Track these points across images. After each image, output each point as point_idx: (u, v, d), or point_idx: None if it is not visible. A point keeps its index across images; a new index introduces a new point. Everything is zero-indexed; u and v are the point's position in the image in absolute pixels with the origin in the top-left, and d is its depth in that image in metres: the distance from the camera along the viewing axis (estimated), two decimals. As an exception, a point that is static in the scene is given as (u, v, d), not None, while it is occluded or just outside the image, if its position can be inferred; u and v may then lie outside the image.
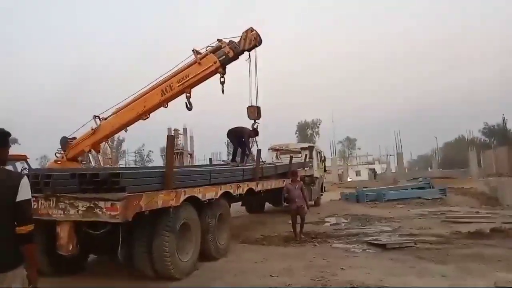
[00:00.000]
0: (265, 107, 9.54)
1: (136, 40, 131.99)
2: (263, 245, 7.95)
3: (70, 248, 4.51)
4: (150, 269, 5.10)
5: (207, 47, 8.69)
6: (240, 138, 10.16)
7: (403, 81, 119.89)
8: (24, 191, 2.31)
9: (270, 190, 9.62)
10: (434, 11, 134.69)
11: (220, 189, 6.56)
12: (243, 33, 8.59)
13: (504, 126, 49.62)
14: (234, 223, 9.41)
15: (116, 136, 11.32)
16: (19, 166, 10.88)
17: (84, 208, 4.29)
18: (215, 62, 8.46)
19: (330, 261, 6.30)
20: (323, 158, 17.73)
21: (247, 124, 9.71)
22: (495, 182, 17.73)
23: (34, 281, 2.38)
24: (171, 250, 5.04)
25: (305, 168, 13.63)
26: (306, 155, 14.99)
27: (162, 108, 8.94)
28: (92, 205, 4.24)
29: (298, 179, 9.50)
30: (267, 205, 13.92)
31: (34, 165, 17.82)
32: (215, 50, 8.62)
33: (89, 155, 9.88)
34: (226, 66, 8.65)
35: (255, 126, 9.61)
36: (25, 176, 2.39)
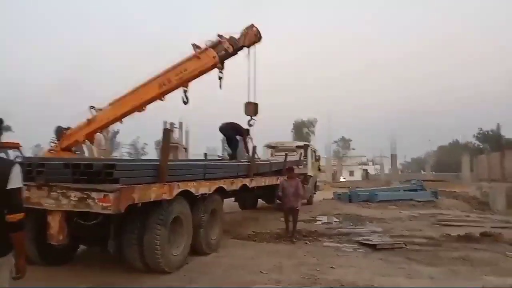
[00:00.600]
0: (261, 104, 9.55)
1: (138, 36, 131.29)
2: (254, 241, 7.97)
3: (61, 238, 4.48)
4: (140, 261, 5.08)
5: (207, 41, 8.68)
6: (235, 135, 10.13)
7: (399, 84, 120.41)
8: (15, 179, 2.29)
9: (264, 187, 9.63)
10: (432, 15, 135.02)
11: (214, 184, 6.56)
12: (243, 29, 8.60)
13: (498, 132, 50.08)
14: (227, 218, 9.42)
15: (111, 127, 11.22)
16: (12, 154, 10.81)
17: (76, 198, 4.26)
18: (213, 57, 8.46)
19: (320, 260, 6.33)
20: (317, 157, 17.79)
21: (243, 120, 9.72)
22: (487, 187, 17.90)
23: (22, 269, 2.37)
24: (162, 243, 5.02)
25: (299, 166, 13.66)
26: (301, 153, 15.02)
27: (158, 101, 8.90)
28: (84, 195, 4.22)
29: (296, 176, 9.06)
30: (260, 202, 13.95)
31: (28, 153, 17.70)
32: (214, 45, 8.61)
33: (83, 145, 9.83)
34: (225, 62, 8.64)
35: (251, 123, 9.62)
36: (17, 164, 2.36)
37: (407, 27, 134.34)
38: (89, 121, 9.09)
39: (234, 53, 8.66)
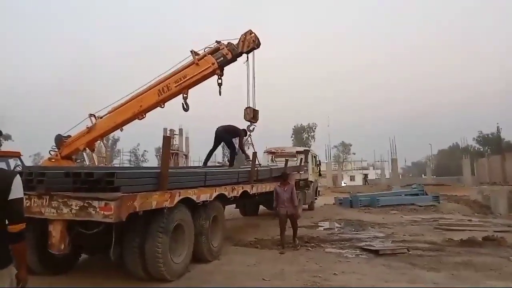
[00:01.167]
0: (261, 110, 9.56)
1: (135, 39, 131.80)
2: (256, 248, 7.93)
3: (62, 247, 4.46)
4: (142, 270, 5.06)
5: (206, 48, 8.71)
6: (231, 138, 10.04)
7: (400, 87, 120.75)
8: (17, 190, 2.29)
9: (265, 193, 9.60)
10: (432, 18, 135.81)
11: (215, 191, 6.54)
12: (242, 35, 8.63)
13: (498, 135, 50.07)
14: (228, 225, 9.38)
15: (111, 135, 11.26)
16: (12, 163, 10.80)
17: (77, 207, 4.25)
18: (213, 64, 8.48)
19: (322, 266, 6.30)
20: (318, 162, 17.77)
21: (243, 125, 9.71)
22: (488, 190, 17.85)
23: (24, 280, 2.35)
24: (164, 251, 5.00)
25: (300, 172, 13.65)
26: (301, 159, 15.01)
27: (158, 108, 8.91)
28: (85, 204, 4.20)
29: (290, 181, 8.74)
30: (261, 208, 13.91)
31: (28, 162, 17.72)
32: (213, 52, 8.64)
33: (84, 153, 9.82)
34: (224, 68, 8.67)
35: (251, 128, 9.61)
36: (18, 175, 2.36)
37: (407, 28, 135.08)
38: (89, 129, 9.09)
39: (233, 59, 8.69)
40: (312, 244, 8.29)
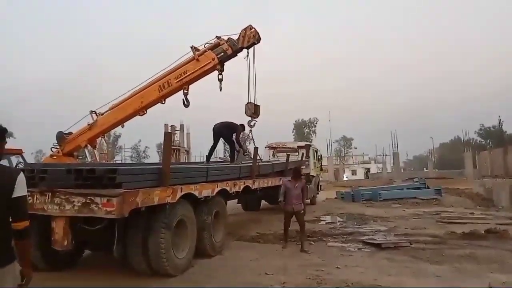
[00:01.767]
0: (263, 105, 9.52)
1: (140, 39, 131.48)
2: (258, 242, 7.96)
3: (65, 243, 4.47)
4: (145, 265, 5.08)
5: (206, 44, 8.68)
6: (230, 134, 10.01)
7: (401, 81, 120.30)
8: (21, 187, 2.29)
9: (267, 188, 9.61)
10: (434, 16, 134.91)
11: (217, 187, 6.55)
12: (242, 30, 8.58)
13: (500, 128, 49.96)
14: (230, 220, 9.41)
15: (112, 131, 11.26)
16: (14, 160, 10.82)
17: (79, 204, 4.26)
18: (213, 59, 8.44)
19: (325, 260, 6.31)
20: (319, 157, 17.78)
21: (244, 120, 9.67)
22: (490, 183, 17.83)
23: (28, 277, 2.36)
24: (167, 246, 5.02)
25: (302, 167, 13.65)
26: (303, 153, 15.01)
27: (159, 104, 8.90)
28: (88, 200, 4.21)
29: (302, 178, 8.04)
30: (263, 203, 13.93)
31: (30, 159, 17.76)
32: (213, 47, 8.60)
33: (85, 150, 9.83)
34: (224, 64, 8.63)
35: (252, 124, 9.58)
36: (22, 172, 2.36)
37: (407, 23, 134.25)
38: (91, 126, 9.10)
39: (234, 54, 8.65)
40: (315, 238, 8.31)
